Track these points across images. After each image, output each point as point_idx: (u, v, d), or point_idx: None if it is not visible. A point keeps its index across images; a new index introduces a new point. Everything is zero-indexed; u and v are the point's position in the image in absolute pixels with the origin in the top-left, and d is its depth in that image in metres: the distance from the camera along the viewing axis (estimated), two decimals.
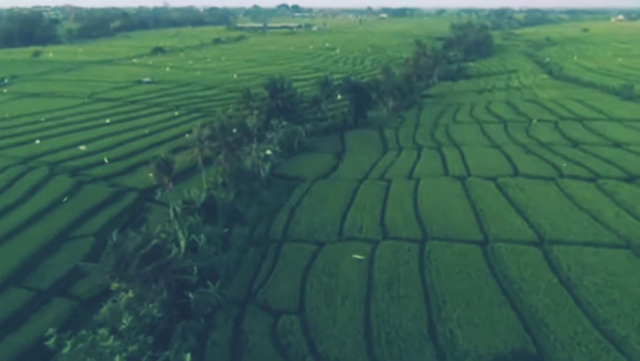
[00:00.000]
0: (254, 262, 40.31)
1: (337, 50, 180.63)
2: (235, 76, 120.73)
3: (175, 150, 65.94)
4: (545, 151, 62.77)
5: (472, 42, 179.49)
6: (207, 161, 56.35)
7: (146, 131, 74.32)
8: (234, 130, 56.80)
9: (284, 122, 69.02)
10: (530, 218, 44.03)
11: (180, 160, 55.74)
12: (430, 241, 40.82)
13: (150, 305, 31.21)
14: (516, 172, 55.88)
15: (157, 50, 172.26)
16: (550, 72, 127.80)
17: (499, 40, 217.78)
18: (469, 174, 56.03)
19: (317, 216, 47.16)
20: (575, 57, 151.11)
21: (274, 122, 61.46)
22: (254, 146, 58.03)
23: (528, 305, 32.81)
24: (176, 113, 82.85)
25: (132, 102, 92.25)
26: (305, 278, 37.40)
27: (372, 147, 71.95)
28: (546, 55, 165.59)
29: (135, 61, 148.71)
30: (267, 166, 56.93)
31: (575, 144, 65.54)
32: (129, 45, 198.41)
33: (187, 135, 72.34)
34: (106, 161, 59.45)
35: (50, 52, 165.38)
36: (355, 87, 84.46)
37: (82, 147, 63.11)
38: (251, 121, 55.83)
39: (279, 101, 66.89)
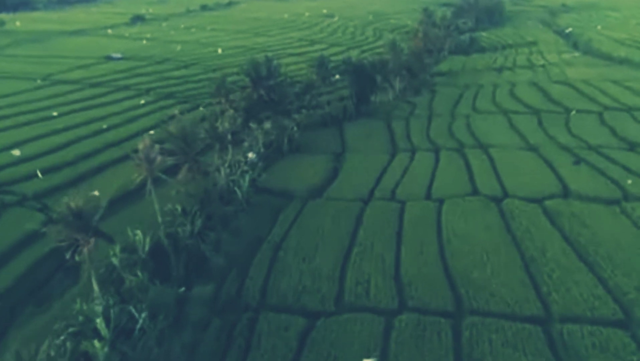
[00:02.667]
0: (215, 351, 28.12)
1: (336, 18, 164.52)
2: (219, 50, 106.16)
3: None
4: (597, 157, 49.97)
5: (482, 9, 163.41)
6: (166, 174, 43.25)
7: (104, 125, 61.05)
8: (202, 134, 43.88)
9: (269, 118, 55.97)
10: (604, 274, 31.79)
11: (124, 180, 42.86)
12: (469, 317, 28.65)
13: None
14: (566, 192, 43.37)
15: (137, 18, 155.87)
16: (575, 46, 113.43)
17: (509, 6, 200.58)
18: (506, 194, 43.49)
19: (308, 264, 34.83)
20: (599, 27, 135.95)
21: (253, 125, 47.98)
22: (229, 155, 45.15)
23: None
24: (142, 102, 69.24)
25: (95, 85, 78.39)
26: None
27: (377, 145, 58.99)
28: (564, 23, 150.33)
29: (109, 31, 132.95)
30: (246, 181, 44.23)
31: (632, 146, 52.72)
32: (107, 12, 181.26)
33: (151, 132, 59.36)
34: (40, 175, 46.56)
35: (17, 21, 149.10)
36: (357, 68, 70.85)
37: (15, 152, 50.14)
38: (223, 125, 42.96)
39: (263, 90, 53.61)
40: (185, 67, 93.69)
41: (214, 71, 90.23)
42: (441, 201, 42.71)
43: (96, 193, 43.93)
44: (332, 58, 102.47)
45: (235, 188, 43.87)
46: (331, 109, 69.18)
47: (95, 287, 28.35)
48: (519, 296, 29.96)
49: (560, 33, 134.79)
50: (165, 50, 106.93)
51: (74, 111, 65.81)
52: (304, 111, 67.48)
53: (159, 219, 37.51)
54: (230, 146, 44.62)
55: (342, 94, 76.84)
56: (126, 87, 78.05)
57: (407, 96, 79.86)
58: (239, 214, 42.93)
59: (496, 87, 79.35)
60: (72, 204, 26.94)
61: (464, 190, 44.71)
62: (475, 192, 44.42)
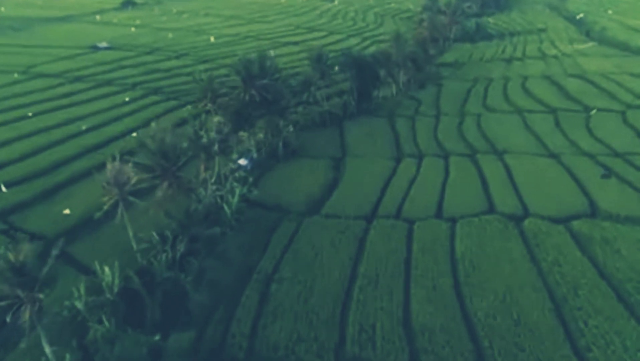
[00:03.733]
0: None
1: (336, 2, 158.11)
2: (212, 39, 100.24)
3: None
4: (625, 167, 45.17)
5: None
6: (141, 194, 38.24)
7: (83, 126, 55.93)
8: (185, 143, 38.92)
9: (263, 116, 50.95)
10: None
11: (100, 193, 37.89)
12: None
13: None
14: (595, 210, 38.70)
15: (128, 3, 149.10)
16: (588, 34, 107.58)
17: None
18: (526, 212, 38.79)
19: (304, 303, 30.25)
20: (610, 12, 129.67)
21: (243, 133, 42.52)
22: (216, 167, 40.19)
23: None
24: (127, 99, 63.90)
25: (77, 79, 72.91)
26: None
27: (381, 149, 54.06)
28: (574, 8, 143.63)
29: (98, 17, 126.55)
30: (235, 197, 39.39)
31: None
32: None
33: (133, 134, 54.35)
34: (4, 189, 41.66)
35: (2, 7, 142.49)
36: (358, 62, 65.39)
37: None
38: (209, 134, 37.88)
39: (255, 91, 48.47)
40: (176, 57, 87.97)
41: (205, 61, 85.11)
42: (454, 221, 38.02)
43: (67, 211, 39.35)
44: (331, 48, 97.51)
45: (224, 205, 39.12)
46: (330, 107, 63.95)
47: (47, 349, 23.72)
48: (551, 352, 25.44)
49: (570, 19, 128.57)
50: (155, 38, 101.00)
51: (52, 109, 60.57)
52: (301, 108, 62.53)
53: (134, 245, 32.84)
54: (217, 158, 39.67)
55: (342, 87, 71.57)
56: (109, 82, 72.49)
57: (411, 90, 74.65)
58: (227, 235, 38.33)
59: (507, 81, 74.02)
60: (12, 257, 22.11)
61: (478, 207, 39.98)
62: (491, 209, 39.71)
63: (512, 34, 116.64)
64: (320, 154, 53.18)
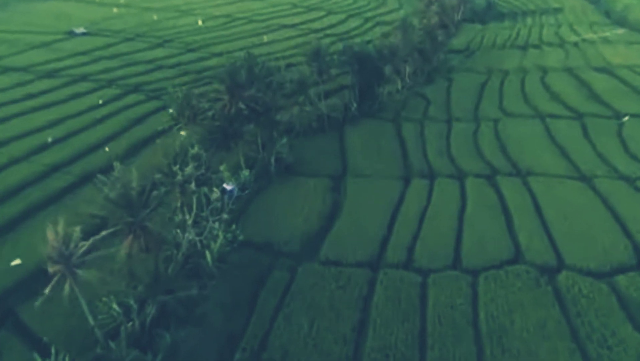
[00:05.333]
0: None
1: None
2: (200, 22, 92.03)
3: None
4: None
5: None
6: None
7: (49, 138, 49.34)
8: (157, 177, 32.69)
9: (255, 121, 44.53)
10: None
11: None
12: None
13: None
14: None
15: None
16: (608, 15, 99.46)
17: None
18: (561, 261, 32.89)
19: None
20: None
21: (223, 168, 35.25)
22: (193, 207, 33.86)
23: None
24: (100, 101, 56.87)
25: (49, 75, 65.66)
26: None
27: (386, 165, 47.74)
28: None
29: None
30: (218, 243, 33.30)
31: None
32: None
33: (106, 148, 47.90)
34: None
35: None
36: (360, 58, 58.23)
37: None
38: (184, 170, 31.38)
39: (243, 103, 41.80)
40: (160, 45, 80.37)
41: (192, 50, 77.59)
42: (474, 274, 32.16)
43: (17, 261, 33.31)
44: (330, 32, 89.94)
45: (205, 252, 33.15)
46: (329, 109, 57.07)
47: None
48: None
49: None
50: (138, 21, 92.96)
51: (14, 115, 53.81)
52: (296, 109, 55.66)
53: (90, 320, 27.00)
54: (194, 198, 33.42)
55: (341, 82, 64.57)
56: (86, 78, 65.32)
57: (418, 85, 67.64)
58: (207, 288, 32.48)
59: (525, 75, 67.09)
60: None
61: (503, 252, 34.02)
62: (518, 256, 33.79)
63: (525, 14, 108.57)
64: (317, 171, 46.90)
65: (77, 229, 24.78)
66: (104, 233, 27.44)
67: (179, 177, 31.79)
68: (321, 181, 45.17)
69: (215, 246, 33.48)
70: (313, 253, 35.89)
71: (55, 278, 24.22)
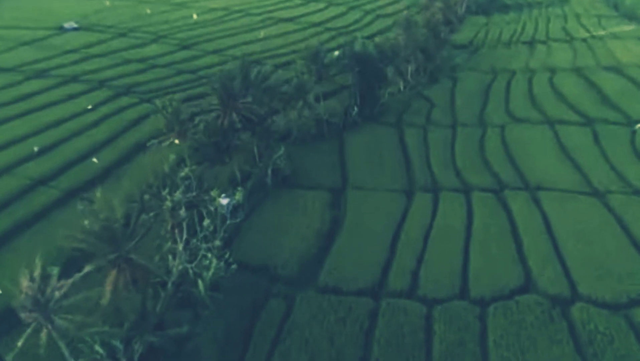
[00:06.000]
0: None
1: None
2: (195, 16, 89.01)
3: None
4: None
5: None
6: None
7: (35, 148, 47.07)
8: (145, 198, 30.63)
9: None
10: None
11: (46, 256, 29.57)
12: None
13: None
14: None
15: None
16: (616, 7, 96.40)
17: None
18: (575, 291, 31.02)
19: None
20: None
21: (214, 194, 32.45)
22: (183, 234, 31.72)
23: None
24: (90, 106, 54.43)
25: (38, 75, 63.05)
26: None
27: (388, 174, 45.77)
28: None
29: None
30: (211, 271, 31.35)
31: None
32: None
33: (94, 159, 45.70)
34: None
35: None
36: (361, 59, 55.77)
37: None
38: (176, 193, 29.19)
39: (237, 114, 39.57)
40: (154, 41, 77.58)
41: (186, 47, 74.86)
42: (483, 305, 30.32)
43: None
44: (330, 25, 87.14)
45: (198, 281, 31.22)
46: (329, 113, 54.71)
47: None
48: None
49: None
50: (131, 14, 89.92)
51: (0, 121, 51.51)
52: (294, 114, 53.34)
53: None
54: (185, 222, 31.33)
55: (341, 82, 62.23)
56: (76, 78, 62.74)
57: (421, 84, 65.17)
58: (200, 319, 30.69)
59: (532, 75, 64.57)
60: None
61: (513, 279, 32.14)
62: (529, 284, 31.94)
63: (530, 5, 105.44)
64: (316, 183, 44.90)
65: (56, 271, 22.74)
66: (86, 269, 25.52)
67: (168, 203, 29.68)
68: (320, 194, 43.18)
69: (207, 275, 31.56)
70: (311, 278, 34.05)
71: (30, 329, 22.30)
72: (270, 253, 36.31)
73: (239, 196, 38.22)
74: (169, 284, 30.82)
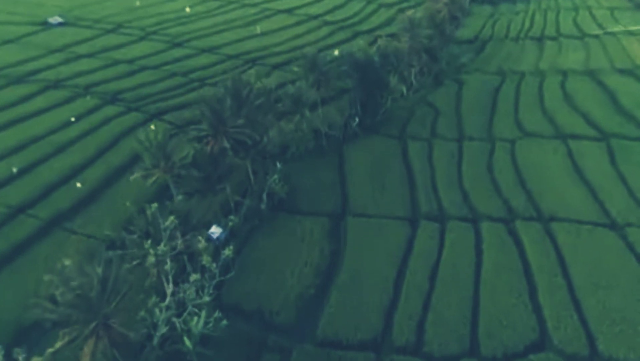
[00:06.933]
0: None
1: None
2: (188, 9, 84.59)
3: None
4: None
5: None
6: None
7: (14, 168, 44.06)
8: (129, 251, 27.85)
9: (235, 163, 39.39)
10: None
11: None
12: None
13: None
14: None
15: None
16: None
17: None
18: (594, 352, 28.59)
19: None
20: None
21: (201, 240, 29.42)
22: (169, 289, 29.04)
23: None
24: (73, 119, 51.02)
25: (19, 80, 59.25)
26: None
27: (391, 200, 42.89)
28: None
29: None
30: (200, 324, 28.86)
31: None
32: None
33: (78, 184, 42.75)
34: None
35: None
36: (362, 67, 52.35)
37: None
38: (160, 246, 26.46)
39: (229, 138, 36.53)
40: (143, 38, 73.66)
41: (178, 45, 71.03)
42: None
43: None
44: (329, 19, 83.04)
45: (184, 337, 28.73)
46: (327, 123, 51.66)
47: None
48: None
49: None
50: (119, 6, 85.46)
51: None
52: (291, 127, 50.25)
53: None
54: (171, 274, 28.65)
55: (340, 85, 58.74)
56: (59, 84, 59.05)
57: (425, 87, 61.92)
58: None
59: (542, 79, 61.13)
60: None
61: (527, 333, 29.73)
62: (544, 339, 29.54)
63: None
64: (314, 208, 42.25)
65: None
66: (58, 344, 22.95)
67: (152, 258, 26.95)
68: (318, 221, 40.52)
69: (196, 329, 29.09)
70: (309, 327, 31.67)
71: None
72: (265, 294, 33.92)
73: (232, 222, 35.68)
74: (154, 341, 28.36)
